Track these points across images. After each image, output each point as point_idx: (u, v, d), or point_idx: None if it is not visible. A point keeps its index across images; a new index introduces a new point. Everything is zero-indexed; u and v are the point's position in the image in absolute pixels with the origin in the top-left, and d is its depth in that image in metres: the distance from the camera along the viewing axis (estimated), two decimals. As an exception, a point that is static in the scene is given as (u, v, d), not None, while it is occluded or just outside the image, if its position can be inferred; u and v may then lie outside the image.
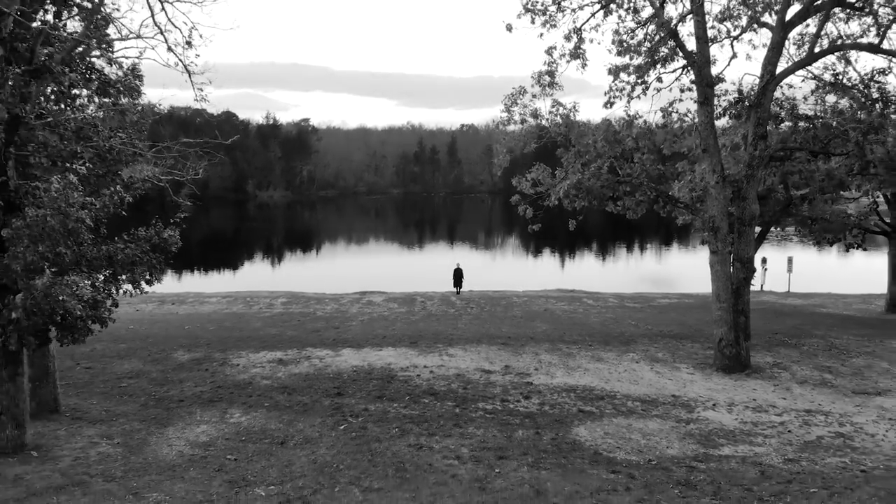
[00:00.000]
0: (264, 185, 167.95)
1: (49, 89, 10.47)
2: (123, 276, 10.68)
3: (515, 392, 14.71)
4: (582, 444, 11.55)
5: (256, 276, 45.58)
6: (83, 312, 9.19)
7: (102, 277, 10.28)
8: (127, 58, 15.34)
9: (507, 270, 48.11)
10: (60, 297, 8.80)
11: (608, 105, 18.75)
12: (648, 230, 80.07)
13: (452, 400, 14.11)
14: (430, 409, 13.44)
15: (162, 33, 15.21)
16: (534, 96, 20.43)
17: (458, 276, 34.93)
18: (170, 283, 41.43)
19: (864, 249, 30.64)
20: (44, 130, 10.33)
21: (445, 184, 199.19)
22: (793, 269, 40.54)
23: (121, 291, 11.29)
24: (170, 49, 18.24)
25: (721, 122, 20.02)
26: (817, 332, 22.89)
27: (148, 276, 11.02)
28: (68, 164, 10.21)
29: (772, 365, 17.59)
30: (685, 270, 47.19)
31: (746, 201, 16.50)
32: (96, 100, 11.97)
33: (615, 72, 18.60)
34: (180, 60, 20.73)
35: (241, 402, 14.28)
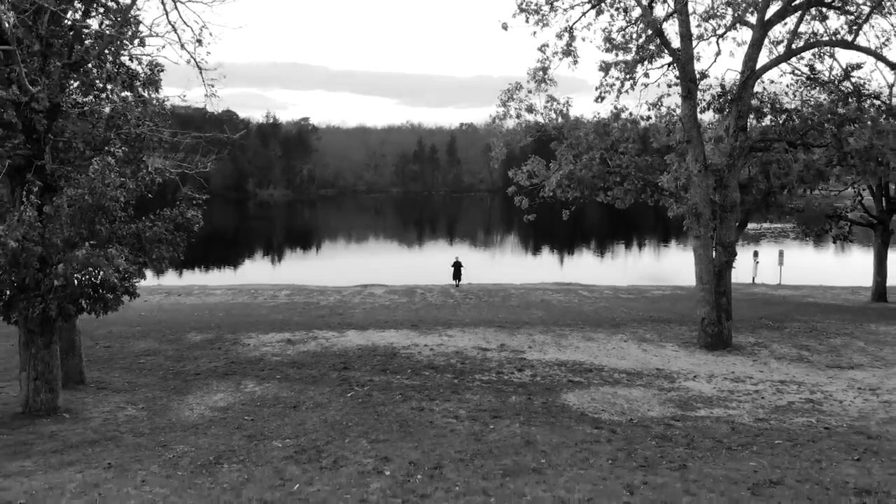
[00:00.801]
0: (265, 184, 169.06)
1: (81, 81, 11.46)
2: (153, 254, 11.66)
3: (510, 366, 15.74)
4: (570, 407, 12.57)
5: (258, 273, 46.48)
6: (118, 282, 10.19)
7: (128, 251, 11.25)
8: (146, 55, 16.38)
9: (506, 267, 49.11)
10: (99, 268, 9.80)
11: (599, 99, 19.77)
12: (646, 229, 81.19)
13: (451, 372, 15.12)
14: (430, 380, 14.45)
15: (175, 31, 16.24)
16: (529, 92, 21.48)
17: (457, 269, 35.86)
18: (172, 279, 42.49)
19: (851, 241, 31.67)
20: (78, 119, 11.34)
21: (445, 182, 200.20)
22: (783, 261, 41.60)
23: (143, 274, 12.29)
24: (182, 46, 19.24)
25: (707, 117, 21.08)
26: (801, 317, 23.92)
27: (172, 253, 12.00)
28: (103, 149, 11.22)
29: (753, 344, 18.63)
30: (682, 267, 48.26)
31: (728, 189, 17.52)
32: (122, 94, 12.95)
33: (605, 68, 19.65)
34: (192, 57, 21.78)
35: (253, 374, 15.29)
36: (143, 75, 13.77)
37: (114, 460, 9.80)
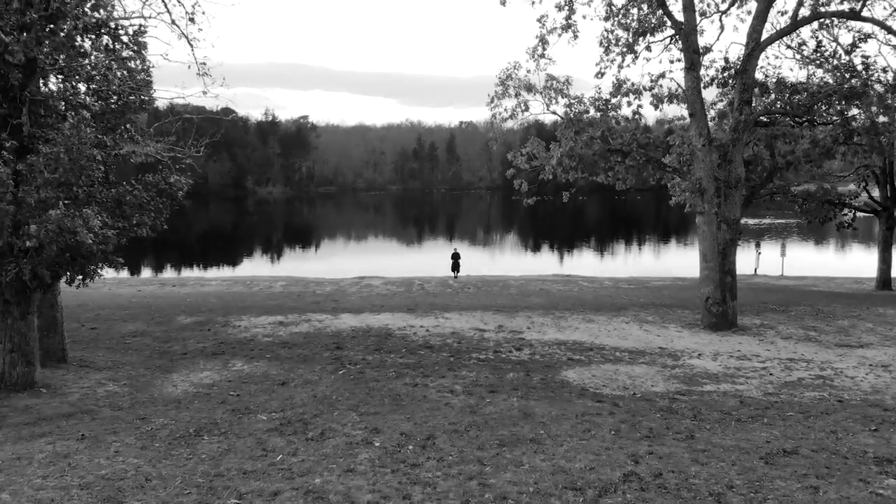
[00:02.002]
0: (263, 182, 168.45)
1: (59, 36, 10.90)
2: (133, 219, 11.13)
3: (508, 345, 15.21)
4: (570, 383, 12.04)
5: (256, 269, 46.01)
6: (94, 244, 9.65)
7: (107, 216, 10.71)
8: (132, 19, 15.86)
9: (506, 262, 48.58)
10: (73, 228, 9.27)
11: (599, 75, 19.26)
12: (646, 226, 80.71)
13: (447, 351, 14.59)
14: (425, 359, 13.92)
15: (167, 8, 15.71)
16: (528, 72, 20.98)
17: (455, 261, 35.40)
18: (170, 274, 42.00)
19: (855, 229, 31.08)
20: (57, 76, 10.81)
21: (444, 180, 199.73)
22: (786, 253, 41.16)
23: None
24: (173, 22, 18.69)
25: (710, 96, 20.55)
26: (806, 302, 23.40)
27: (154, 220, 11.47)
28: (78, 107, 10.69)
29: (758, 325, 18.09)
30: (682, 263, 47.75)
31: (732, 164, 16.99)
32: (102, 52, 12.40)
33: (606, 44, 19.13)
34: (183, 34, 21.23)
35: (243, 354, 14.76)
36: (128, 35, 13.27)
37: (88, 432, 9.27)
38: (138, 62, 13.64)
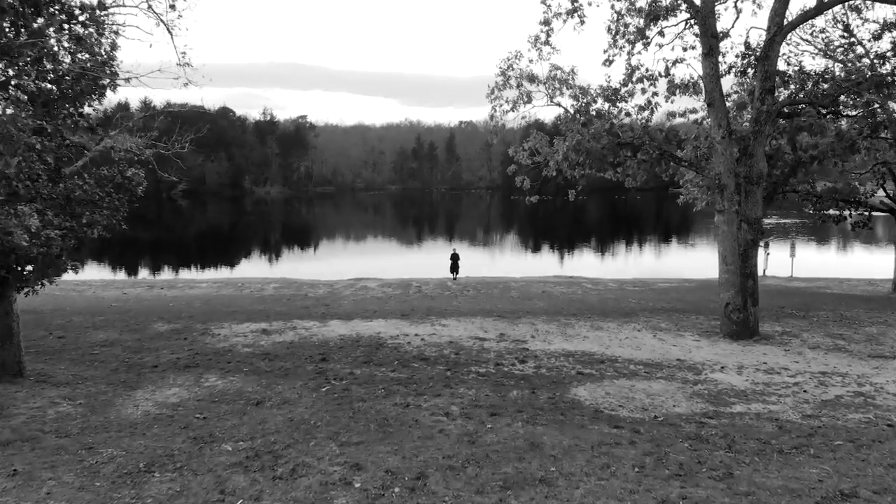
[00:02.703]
0: (261, 181, 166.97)
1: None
2: (83, 218, 9.75)
3: (510, 357, 13.83)
4: (581, 402, 10.66)
5: (252, 270, 44.76)
6: (32, 246, 8.28)
7: (52, 215, 9.34)
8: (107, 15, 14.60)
9: (506, 263, 47.31)
10: (7, 228, 7.90)
11: (607, 63, 17.89)
12: (647, 226, 79.38)
13: (444, 364, 13.22)
14: (419, 373, 12.55)
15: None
16: (530, 62, 19.63)
17: (454, 261, 34.13)
18: (167, 275, 40.66)
19: (870, 228, 29.78)
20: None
21: (444, 180, 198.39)
22: (795, 253, 39.84)
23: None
24: (150, 7, 17.34)
25: (726, 86, 19.16)
26: (825, 306, 22.06)
27: (109, 220, 10.09)
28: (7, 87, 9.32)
29: (781, 333, 16.72)
30: (685, 264, 46.46)
31: (754, 159, 15.62)
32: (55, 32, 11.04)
33: (615, 30, 17.77)
34: (161, 21, 19.82)
35: (218, 367, 13.39)
36: (87, 9, 11.92)
37: (23, 466, 7.90)
38: (99, 43, 12.32)
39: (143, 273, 42.11)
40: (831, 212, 27.08)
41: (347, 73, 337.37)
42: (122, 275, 41.20)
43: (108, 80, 12.18)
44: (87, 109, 12.07)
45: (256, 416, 10.01)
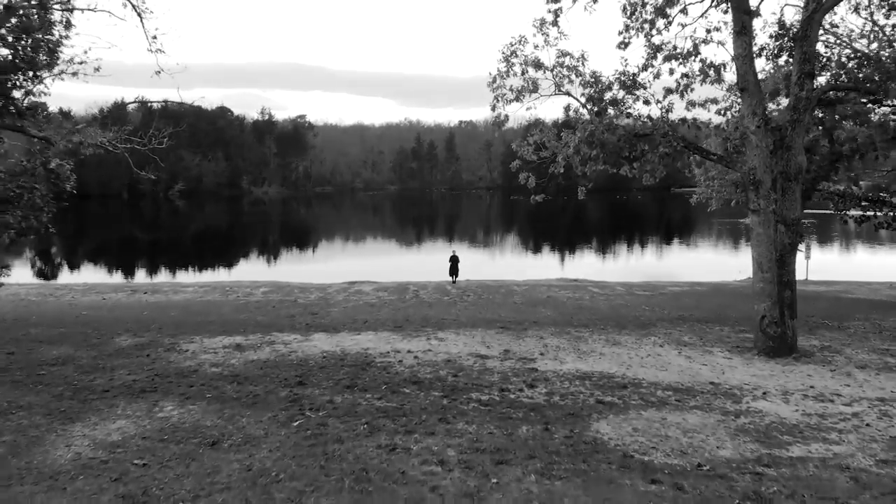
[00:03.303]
0: (259, 181, 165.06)
1: None
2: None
3: (517, 380, 11.95)
4: (605, 443, 8.79)
5: (246, 273, 43.05)
6: None
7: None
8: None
9: (507, 264, 45.53)
10: None
11: (623, 45, 16.04)
12: (649, 227, 77.58)
13: (439, 389, 11.34)
14: (410, 401, 10.68)
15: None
16: (536, 47, 17.78)
17: (454, 263, 32.36)
18: (164, 277, 38.81)
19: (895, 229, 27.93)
20: None
21: (443, 180, 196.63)
22: (811, 255, 38.02)
23: None
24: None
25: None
26: (857, 314, 20.21)
27: (29, 220, 8.23)
28: None
29: (820, 348, 14.85)
30: (688, 265, 44.70)
31: (791, 151, 13.76)
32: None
33: (631, 8, 15.92)
34: (130, 2, 17.93)
35: (178, 392, 11.52)
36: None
37: None
38: (46, 24, 10.55)
39: (139, 275, 40.35)
40: (853, 212, 25.24)
41: (347, 73, 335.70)
42: (115, 277, 39.21)
43: (45, 63, 10.33)
44: (18, 94, 10.23)
45: (208, 463, 8.14)
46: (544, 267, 43.42)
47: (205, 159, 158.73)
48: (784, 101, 15.68)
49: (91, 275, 40.19)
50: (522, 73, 17.85)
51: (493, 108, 18.23)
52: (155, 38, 19.19)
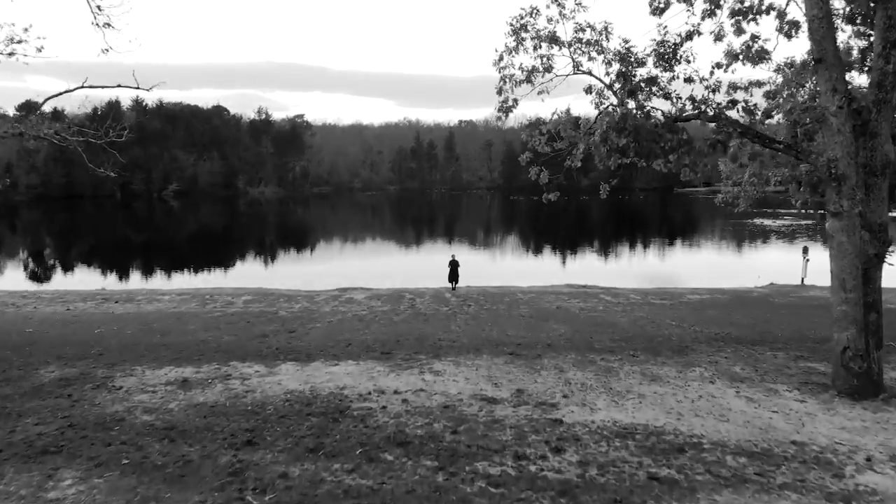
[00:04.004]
0: (255, 181, 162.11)
1: None
2: None
3: (537, 440, 9.04)
4: (677, 560, 5.93)
5: (236, 278, 40.26)
6: None
7: None
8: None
9: (508, 266, 42.72)
10: None
11: (656, 11, 13.19)
12: (654, 227, 74.82)
13: (433, 455, 8.45)
14: (393, 476, 7.80)
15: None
16: (550, 20, 14.96)
17: (453, 268, 29.53)
18: (158, 282, 35.85)
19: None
20: None
21: (443, 180, 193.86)
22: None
23: None
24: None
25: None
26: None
27: None
28: None
29: (909, 384, 11.99)
30: (701, 267, 41.91)
31: (877, 140, 10.91)
32: None
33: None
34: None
35: (88, 455, 8.66)
36: None
37: None
38: None
39: (121, 281, 37.47)
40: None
41: (347, 73, 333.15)
42: (95, 281, 36.10)
43: None
44: None
45: None
46: (548, 270, 40.59)
47: (200, 159, 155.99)
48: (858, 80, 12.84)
49: (69, 280, 37.37)
50: (535, 49, 15.04)
51: (500, 92, 15.37)
52: (100, 8, 16.43)
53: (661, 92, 12.58)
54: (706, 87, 12.64)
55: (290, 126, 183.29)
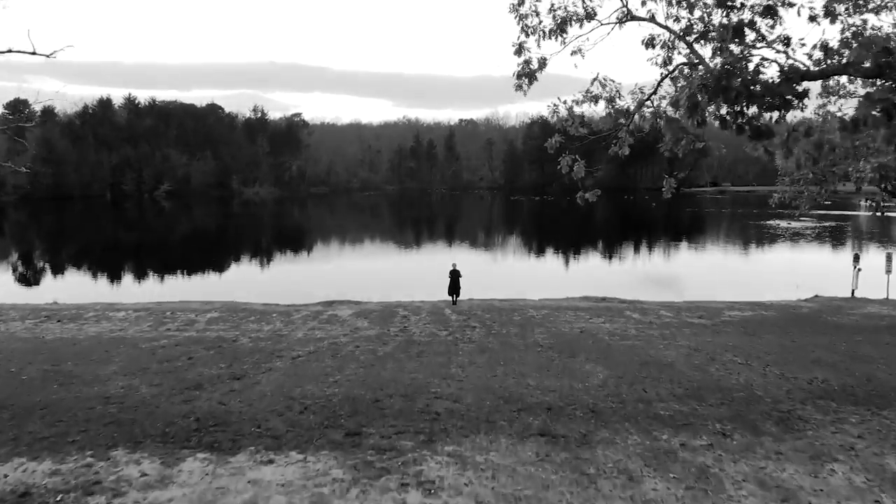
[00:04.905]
0: (250, 181, 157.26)
1: None
2: None
3: None
4: None
5: (222, 283, 35.95)
6: None
7: None
8: None
9: (516, 276, 38.11)
10: None
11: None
12: (663, 229, 70.21)
13: None
14: None
15: None
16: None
17: (454, 279, 25.13)
18: (126, 292, 31.15)
19: None
20: None
21: (443, 180, 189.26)
22: (892, 268, 30.45)
23: None
24: None
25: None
26: None
27: None
28: None
29: None
30: (715, 270, 37.38)
31: None
32: None
33: None
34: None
35: None
36: None
37: None
38: None
39: (89, 289, 32.84)
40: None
41: (347, 73, 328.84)
42: (56, 290, 31.23)
43: None
44: None
45: None
46: (557, 277, 36.02)
47: (193, 158, 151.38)
48: None
49: (23, 291, 32.90)
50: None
51: (519, 51, 10.83)
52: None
53: (776, 35, 8.05)
54: (846, 31, 8.09)
55: (286, 125, 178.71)
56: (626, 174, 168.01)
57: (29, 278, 38.23)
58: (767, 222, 70.26)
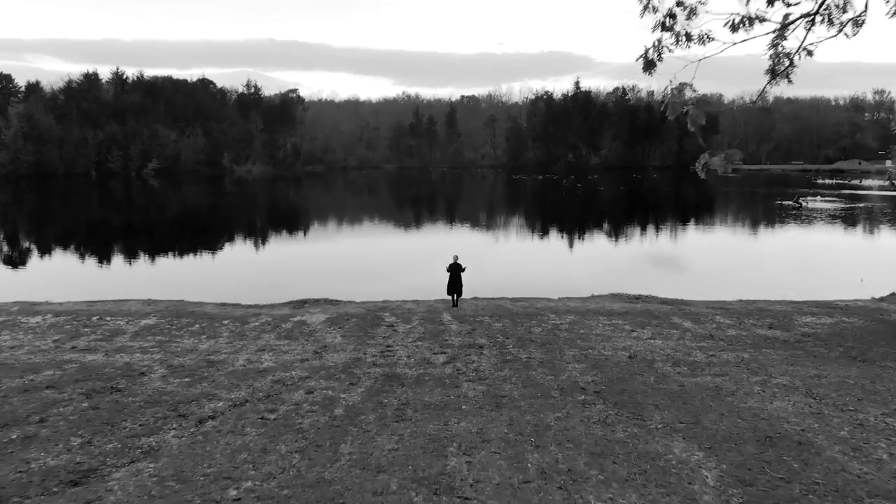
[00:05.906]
0: (242, 159, 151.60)
1: None
2: None
3: None
4: None
5: (198, 269, 31.28)
6: None
7: None
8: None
9: (527, 265, 32.92)
10: None
11: None
12: (676, 210, 65.06)
13: None
14: None
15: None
16: None
17: (455, 274, 20.10)
18: (66, 287, 26.01)
19: None
20: None
21: (444, 158, 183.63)
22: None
23: None
24: None
25: None
26: None
27: None
28: None
29: None
30: (753, 260, 32.33)
31: None
32: None
33: None
34: None
35: None
36: None
37: None
38: None
39: (45, 275, 28.10)
40: None
41: (348, 50, 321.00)
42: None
43: None
44: None
45: None
46: (573, 265, 30.95)
47: (182, 135, 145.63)
48: None
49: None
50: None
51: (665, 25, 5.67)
52: None
53: None
54: None
55: (280, 101, 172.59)
56: (633, 152, 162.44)
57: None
58: (785, 202, 65.06)
